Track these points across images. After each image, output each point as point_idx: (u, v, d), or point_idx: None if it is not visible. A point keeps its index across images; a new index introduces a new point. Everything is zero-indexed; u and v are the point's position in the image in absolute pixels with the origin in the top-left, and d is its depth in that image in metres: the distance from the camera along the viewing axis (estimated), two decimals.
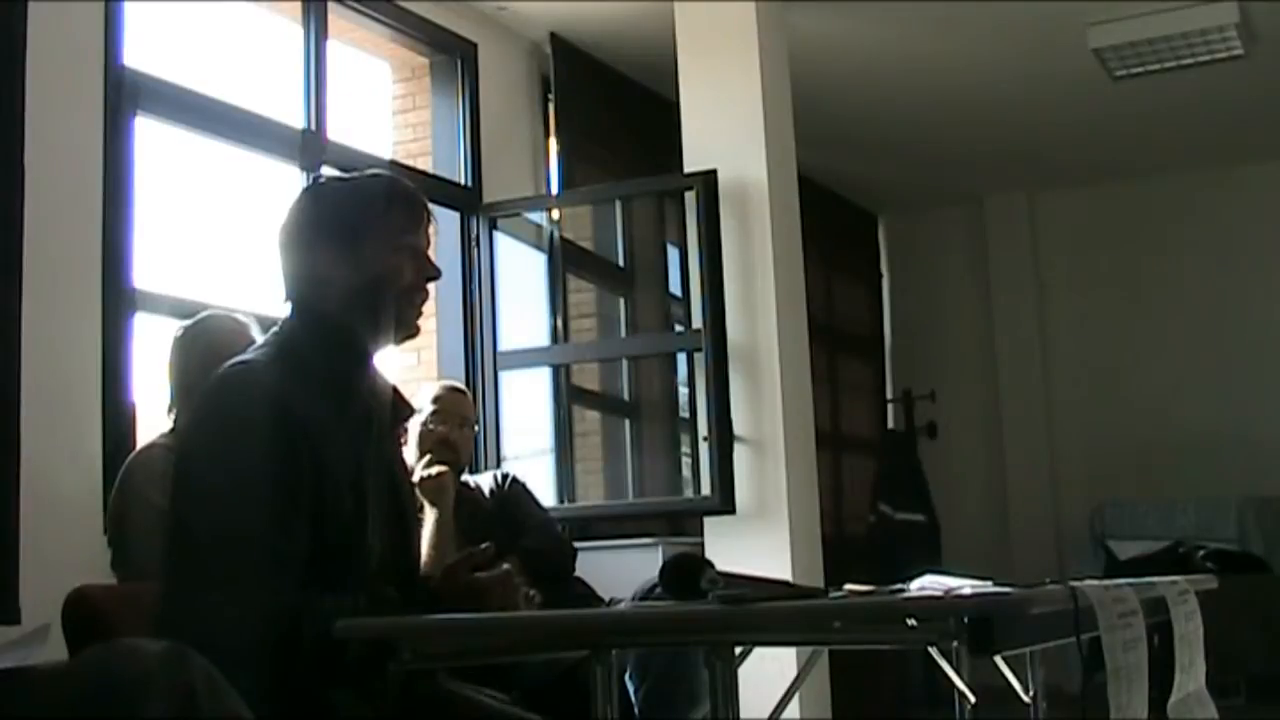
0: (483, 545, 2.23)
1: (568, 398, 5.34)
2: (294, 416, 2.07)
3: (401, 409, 2.34)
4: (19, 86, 3.39)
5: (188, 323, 3.21)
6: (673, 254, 6.10)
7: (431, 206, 2.36)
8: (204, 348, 3.07)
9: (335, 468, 2.10)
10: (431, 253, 2.33)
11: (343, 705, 2.02)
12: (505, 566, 2.23)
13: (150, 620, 2.06)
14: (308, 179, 4.49)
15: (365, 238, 2.21)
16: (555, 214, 5.52)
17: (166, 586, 2.08)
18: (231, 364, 2.17)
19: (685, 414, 5.81)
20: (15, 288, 3.33)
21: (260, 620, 1.94)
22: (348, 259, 2.20)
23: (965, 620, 1.69)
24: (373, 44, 5.27)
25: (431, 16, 5.20)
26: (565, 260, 5.51)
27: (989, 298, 8.44)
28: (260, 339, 2.67)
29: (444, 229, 5.01)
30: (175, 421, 3.11)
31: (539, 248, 5.54)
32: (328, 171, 4.52)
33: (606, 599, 3.67)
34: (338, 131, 4.68)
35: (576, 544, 4.10)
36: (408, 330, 2.28)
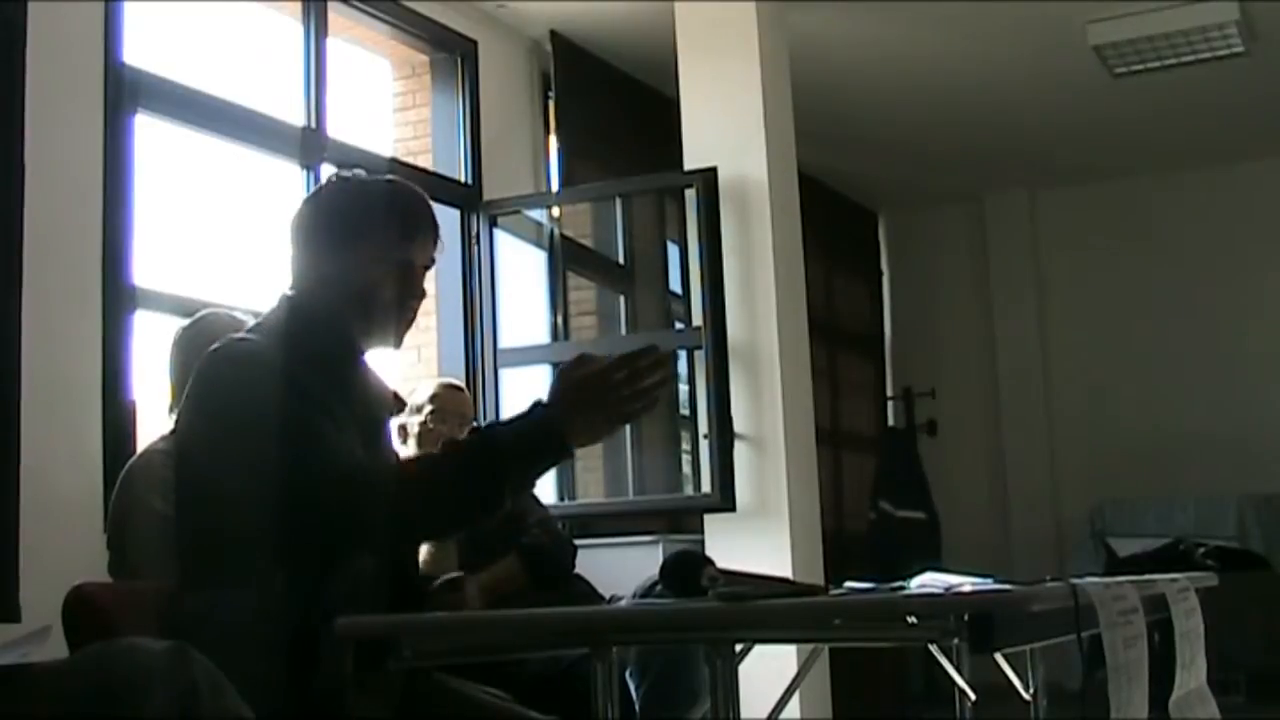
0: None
1: None
2: (282, 392, 2.06)
3: (389, 399, 2.36)
4: (19, 84, 3.39)
5: (186, 322, 3.21)
6: (673, 251, 6.10)
7: (432, 205, 2.36)
8: (202, 347, 3.04)
9: (310, 449, 2.06)
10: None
11: (347, 702, 2.02)
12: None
13: (150, 617, 2.07)
14: (308, 176, 4.49)
15: (356, 242, 2.21)
16: (555, 211, 5.52)
17: (179, 575, 2.09)
18: (215, 345, 2.17)
19: (685, 411, 5.80)
20: (15, 286, 3.33)
21: (272, 596, 1.95)
22: (338, 260, 2.21)
23: (965, 618, 1.69)
24: (373, 41, 5.26)
25: (432, 14, 5.20)
26: (565, 258, 5.51)
27: (989, 295, 8.44)
28: None
29: (444, 227, 4.99)
30: (176, 422, 3.10)
31: (539, 245, 5.54)
32: (328, 169, 4.52)
33: (607, 596, 3.67)
34: (338, 129, 4.67)
35: (577, 541, 4.09)
36: (385, 343, 2.27)
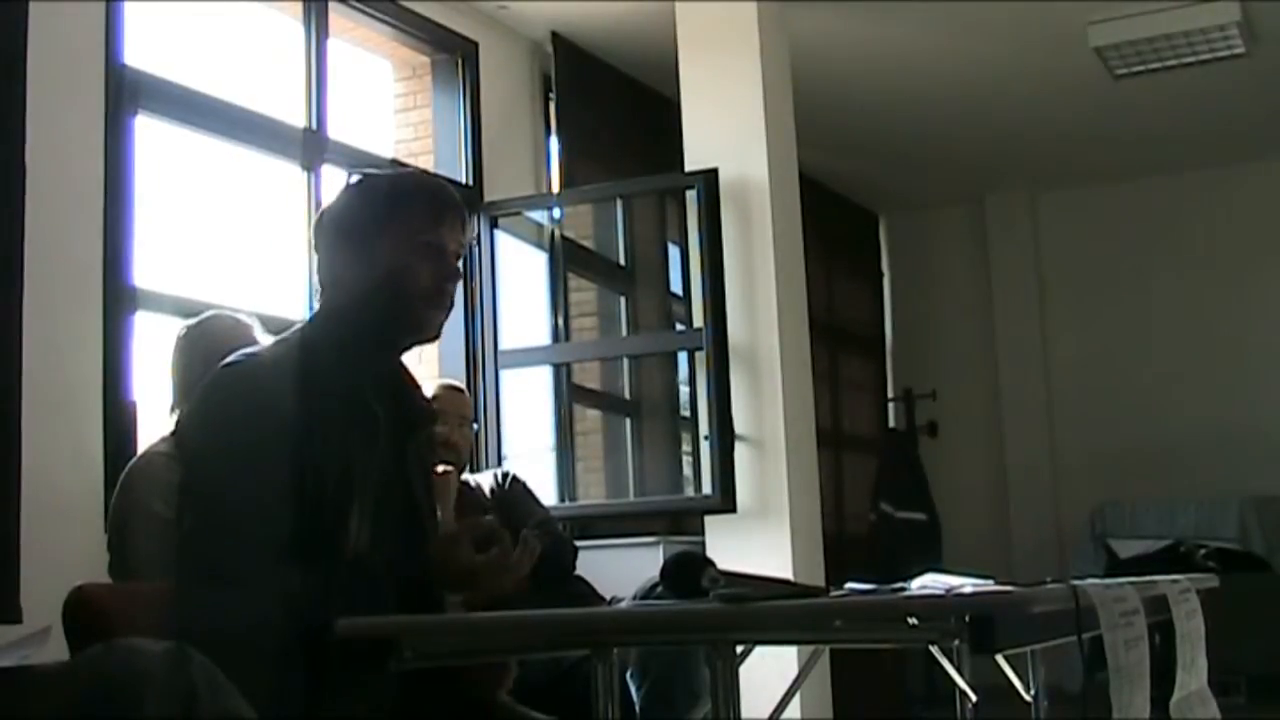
0: (486, 517, 2.20)
1: (569, 396, 5.34)
2: (282, 413, 2.04)
3: (425, 412, 2.34)
4: (20, 86, 3.39)
5: (190, 322, 3.20)
6: (674, 252, 6.10)
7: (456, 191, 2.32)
8: (206, 348, 3.05)
9: (319, 463, 2.06)
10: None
11: (348, 702, 2.02)
12: (496, 550, 2.12)
13: (150, 619, 2.06)
14: (309, 178, 4.49)
15: (381, 234, 2.18)
16: (556, 213, 5.52)
17: (176, 585, 2.10)
18: (229, 360, 2.16)
19: (686, 412, 5.81)
20: (16, 287, 3.32)
21: (255, 610, 1.94)
22: (363, 255, 2.18)
23: (966, 619, 1.69)
24: (374, 42, 5.26)
25: (433, 15, 5.20)
26: (566, 259, 5.51)
27: (990, 296, 8.44)
28: (263, 339, 2.65)
29: None
30: (177, 424, 3.10)
31: (540, 246, 5.54)
32: (329, 170, 4.52)
33: (608, 598, 3.67)
34: (339, 130, 4.67)
35: (577, 543, 4.10)
36: (424, 332, 2.23)
